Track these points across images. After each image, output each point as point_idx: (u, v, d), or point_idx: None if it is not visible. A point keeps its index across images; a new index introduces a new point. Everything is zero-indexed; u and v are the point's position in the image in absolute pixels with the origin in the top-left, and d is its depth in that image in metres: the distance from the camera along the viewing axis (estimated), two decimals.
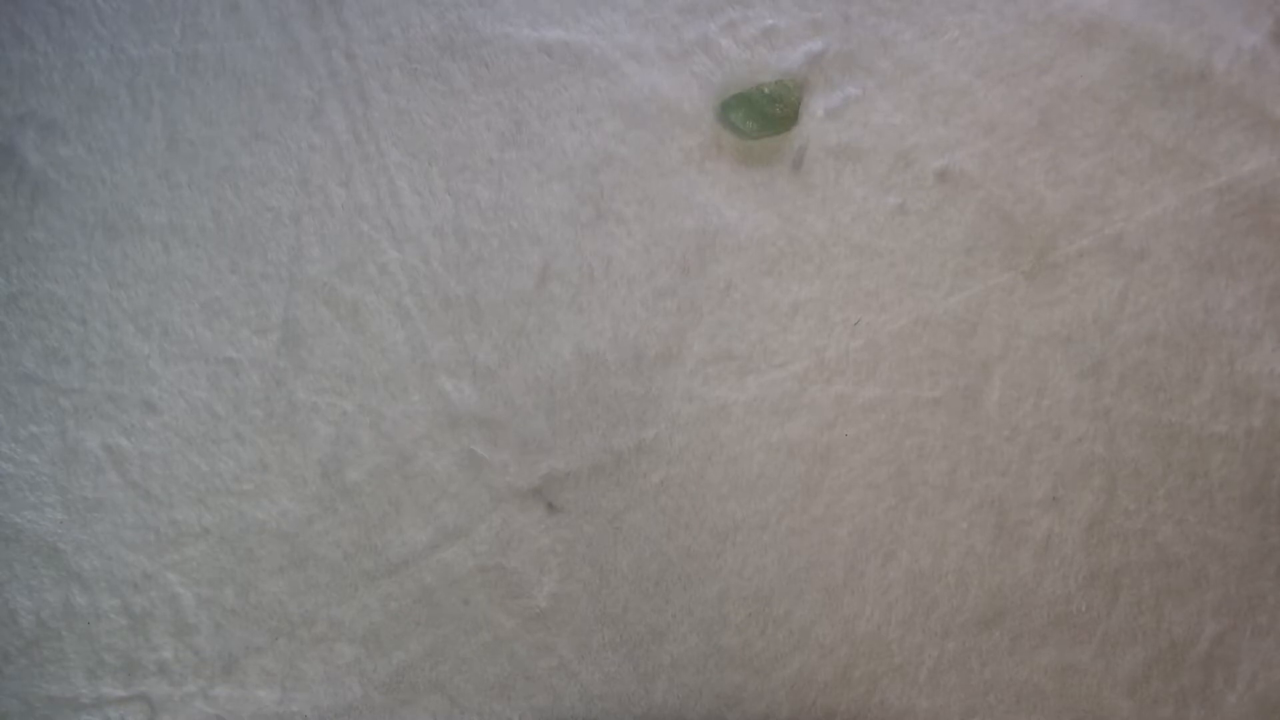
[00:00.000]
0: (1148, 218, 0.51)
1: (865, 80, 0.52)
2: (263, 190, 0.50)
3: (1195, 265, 0.51)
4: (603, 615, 0.49)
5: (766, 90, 0.50)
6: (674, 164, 0.51)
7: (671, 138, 0.51)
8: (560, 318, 0.50)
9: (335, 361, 0.50)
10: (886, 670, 0.49)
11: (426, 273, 0.50)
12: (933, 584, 0.50)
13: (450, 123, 0.51)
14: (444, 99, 0.51)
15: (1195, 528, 0.50)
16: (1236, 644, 0.50)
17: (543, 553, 0.49)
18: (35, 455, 0.48)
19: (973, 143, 0.51)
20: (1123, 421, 0.51)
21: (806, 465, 0.50)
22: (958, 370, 0.51)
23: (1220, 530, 0.50)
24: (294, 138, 0.50)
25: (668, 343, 0.50)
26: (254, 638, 0.49)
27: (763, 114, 0.50)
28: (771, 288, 0.51)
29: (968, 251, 0.51)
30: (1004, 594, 0.50)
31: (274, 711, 0.48)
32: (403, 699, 0.49)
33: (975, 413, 0.50)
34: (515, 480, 0.50)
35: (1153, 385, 0.51)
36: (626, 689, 0.49)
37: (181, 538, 0.49)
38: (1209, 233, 0.51)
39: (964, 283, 0.51)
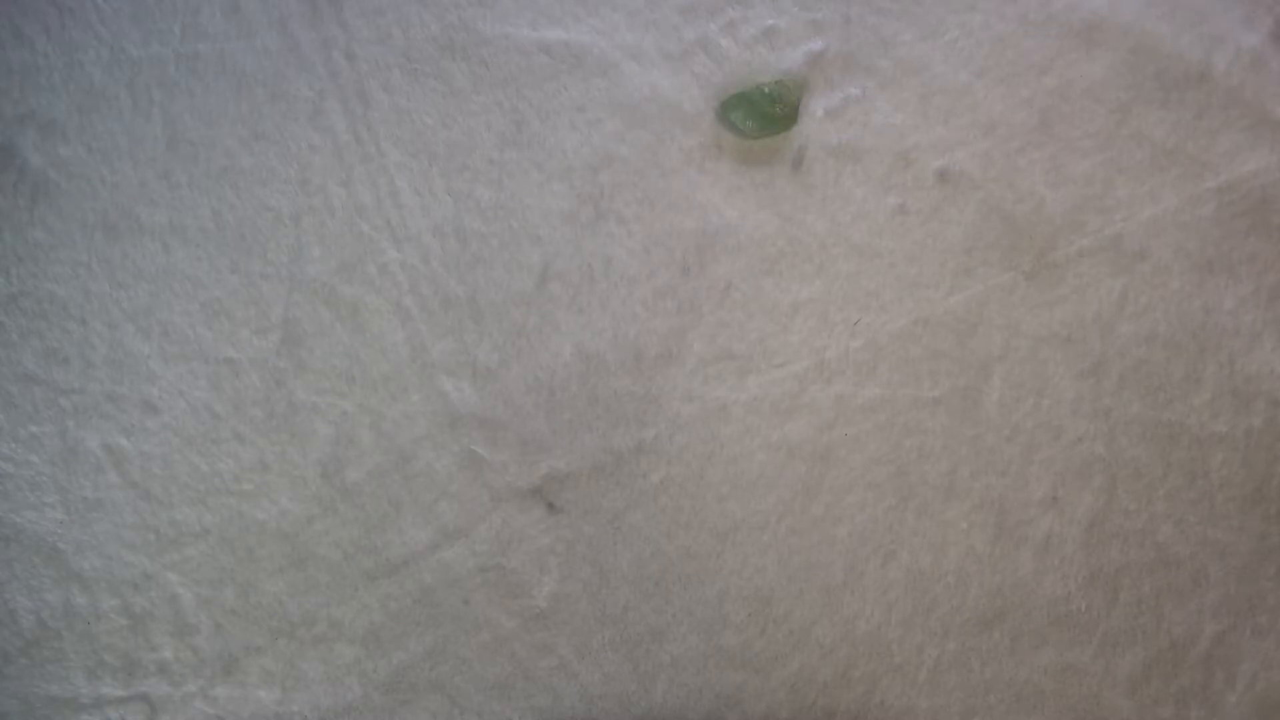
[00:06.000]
0: (1148, 218, 0.51)
1: (865, 80, 0.52)
2: (263, 190, 0.50)
3: (1195, 265, 0.51)
4: (603, 615, 0.49)
5: (766, 90, 0.50)
6: (674, 164, 0.51)
7: (671, 138, 0.51)
8: (560, 318, 0.50)
9: (335, 361, 0.50)
10: (886, 670, 0.49)
11: (426, 273, 0.50)
12: (933, 584, 0.50)
13: (450, 123, 0.51)
14: (444, 99, 0.51)
15: (1195, 528, 0.50)
16: (1236, 644, 0.50)
17: (543, 553, 0.49)
18: (35, 455, 0.48)
19: (973, 143, 0.51)
20: (1123, 421, 0.51)
21: (806, 465, 0.50)
22: (958, 370, 0.51)
23: (1220, 530, 0.50)
24: (294, 138, 0.50)
25: (668, 343, 0.50)
26: (254, 638, 0.49)
27: (763, 114, 0.50)
28: (771, 288, 0.51)
29: (968, 251, 0.51)
30: (1004, 594, 0.50)
31: (274, 711, 0.48)
32: (403, 699, 0.49)
33: (975, 413, 0.50)
34: (515, 480, 0.50)
35: (1153, 385, 0.51)
36: (626, 689, 0.49)
37: (181, 538, 0.49)
38: (1209, 233, 0.51)
39: (964, 283, 0.51)
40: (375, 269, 0.50)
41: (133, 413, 0.49)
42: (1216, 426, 0.51)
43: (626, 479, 0.50)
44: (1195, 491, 0.50)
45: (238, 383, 0.49)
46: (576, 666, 0.49)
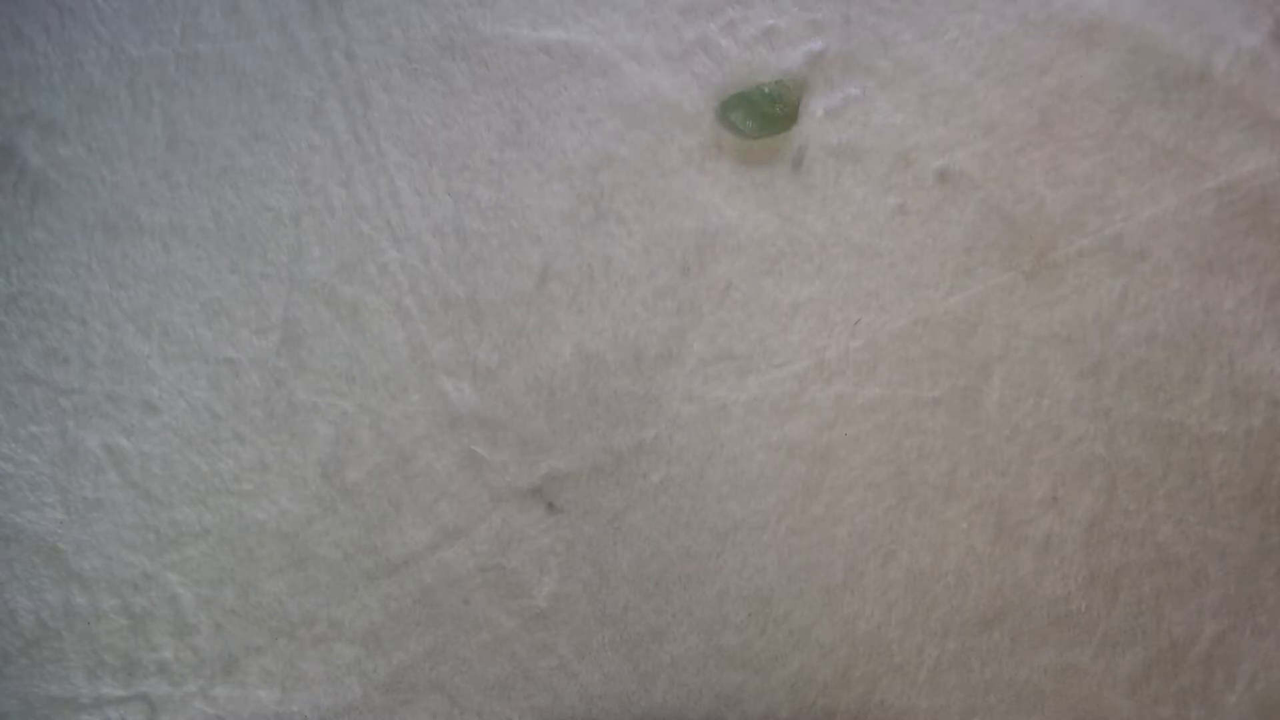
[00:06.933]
0: (1148, 218, 0.51)
1: (865, 80, 0.52)
2: (263, 190, 0.50)
3: (1195, 265, 0.51)
4: (603, 615, 0.49)
5: (766, 90, 0.50)
6: (674, 164, 0.51)
7: (671, 138, 0.51)
8: (560, 318, 0.50)
9: (335, 361, 0.50)
10: (886, 670, 0.49)
11: (426, 273, 0.50)
12: (933, 584, 0.50)
13: (450, 123, 0.51)
14: (444, 99, 0.51)
15: (1195, 528, 0.50)
16: (1236, 644, 0.50)
17: (543, 553, 0.49)
18: (35, 455, 0.48)
19: (973, 143, 0.52)
20: (1123, 421, 0.51)
21: (806, 465, 0.50)
22: (958, 370, 0.51)
23: (1220, 530, 0.50)
24: (294, 138, 0.50)
25: (668, 343, 0.50)
26: (254, 638, 0.49)
27: (763, 114, 0.50)
28: (771, 288, 0.51)
29: (968, 251, 0.51)
30: (1004, 594, 0.50)
31: (274, 711, 0.48)
32: (403, 699, 0.49)
33: (975, 413, 0.50)
34: (515, 480, 0.50)
35: (1153, 385, 0.51)
36: (626, 689, 0.49)
37: (181, 538, 0.49)
38: (1209, 233, 0.51)
39: (964, 283, 0.51)
40: (375, 269, 0.50)
41: (133, 413, 0.49)
42: (1216, 426, 0.51)
43: (626, 479, 0.50)
44: (1195, 491, 0.50)
45: (238, 383, 0.49)
46: (576, 666, 0.49)
